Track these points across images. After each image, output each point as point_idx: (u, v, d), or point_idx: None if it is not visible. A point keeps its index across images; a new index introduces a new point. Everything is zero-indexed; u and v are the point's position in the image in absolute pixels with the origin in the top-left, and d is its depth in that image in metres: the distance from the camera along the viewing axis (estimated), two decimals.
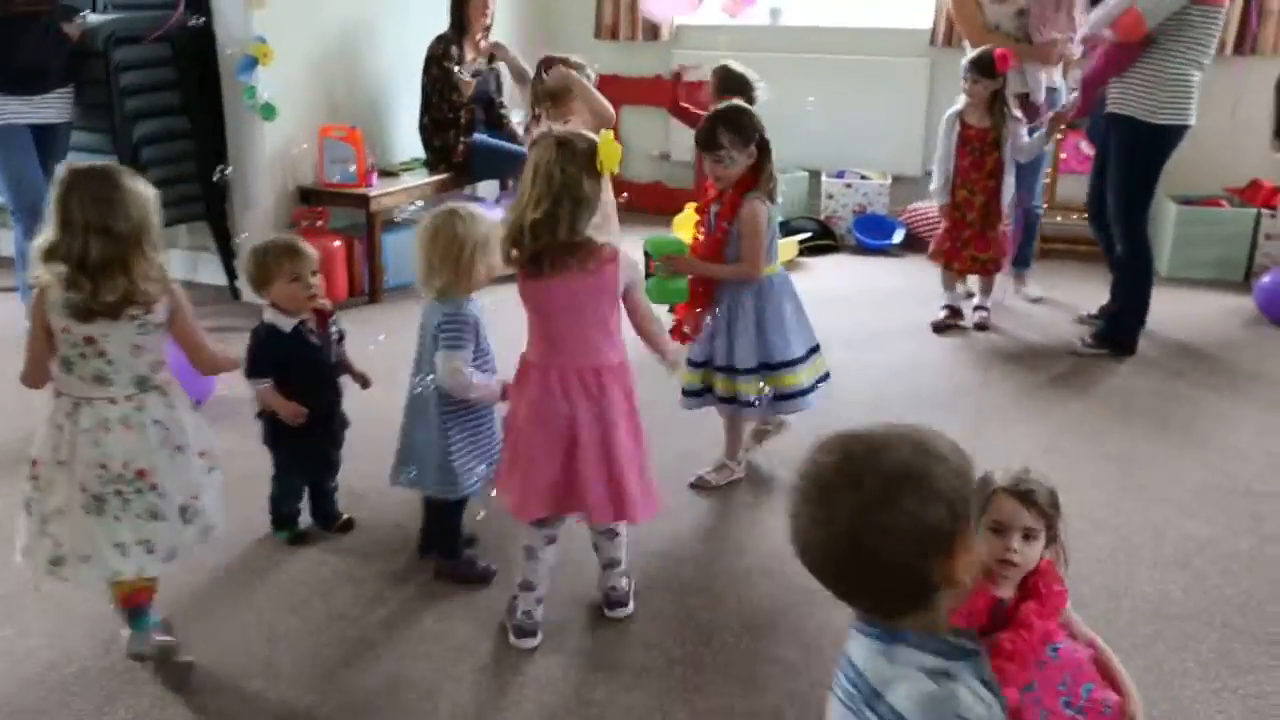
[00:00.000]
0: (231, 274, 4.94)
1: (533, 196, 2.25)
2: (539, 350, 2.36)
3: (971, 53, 4.46)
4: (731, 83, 3.82)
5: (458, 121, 5.25)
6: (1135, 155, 4.12)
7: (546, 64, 3.85)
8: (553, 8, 6.72)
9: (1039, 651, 1.69)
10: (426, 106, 5.27)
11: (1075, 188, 5.44)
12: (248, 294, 4.87)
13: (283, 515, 2.91)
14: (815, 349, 3.12)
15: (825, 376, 3.14)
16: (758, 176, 2.93)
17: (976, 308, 4.76)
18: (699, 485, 3.20)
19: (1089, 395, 3.98)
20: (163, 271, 2.19)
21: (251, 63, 4.57)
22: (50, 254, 2.09)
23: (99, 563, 2.17)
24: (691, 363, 3.06)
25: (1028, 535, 1.72)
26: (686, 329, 3.13)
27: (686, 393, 3.11)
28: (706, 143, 2.90)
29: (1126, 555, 2.88)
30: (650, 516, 2.44)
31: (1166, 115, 4.02)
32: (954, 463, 1.15)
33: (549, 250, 2.26)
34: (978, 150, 4.45)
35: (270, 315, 2.70)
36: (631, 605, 2.59)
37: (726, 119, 2.89)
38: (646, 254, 3.12)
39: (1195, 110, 4.05)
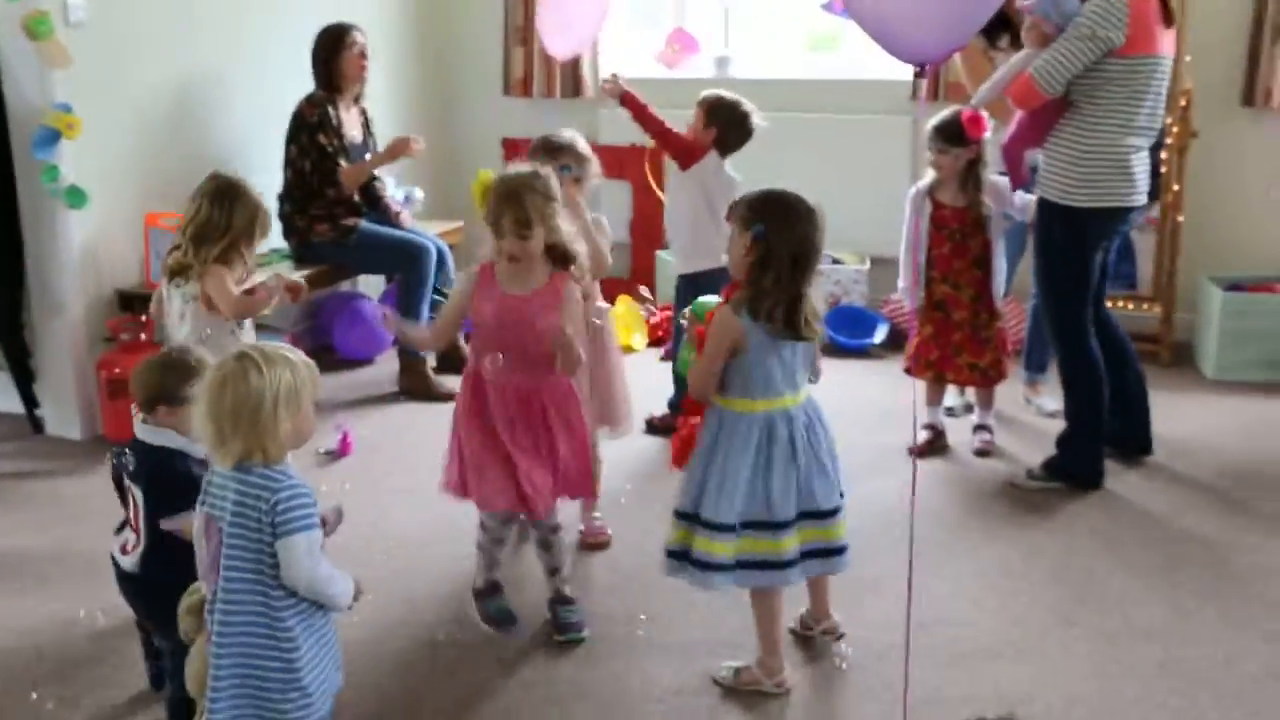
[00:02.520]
0: (30, 401, 4.64)
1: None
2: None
3: (935, 118, 4.31)
4: (724, 112, 4.13)
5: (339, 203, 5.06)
6: (1052, 245, 4.00)
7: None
8: (450, 60, 6.57)
9: None
10: (296, 184, 5.04)
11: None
12: (52, 426, 4.61)
13: None
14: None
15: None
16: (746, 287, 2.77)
17: (977, 428, 4.57)
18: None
19: (1110, 541, 3.73)
20: None
21: (53, 136, 4.33)
22: None
23: None
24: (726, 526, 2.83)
25: None
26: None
27: (672, 554, 2.93)
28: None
29: None
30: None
31: (1085, 196, 3.87)
32: None
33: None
34: (958, 235, 4.30)
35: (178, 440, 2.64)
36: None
37: (752, 198, 2.82)
38: (692, 315, 2.95)
39: (1136, 186, 3.90)
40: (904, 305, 4.53)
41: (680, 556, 2.88)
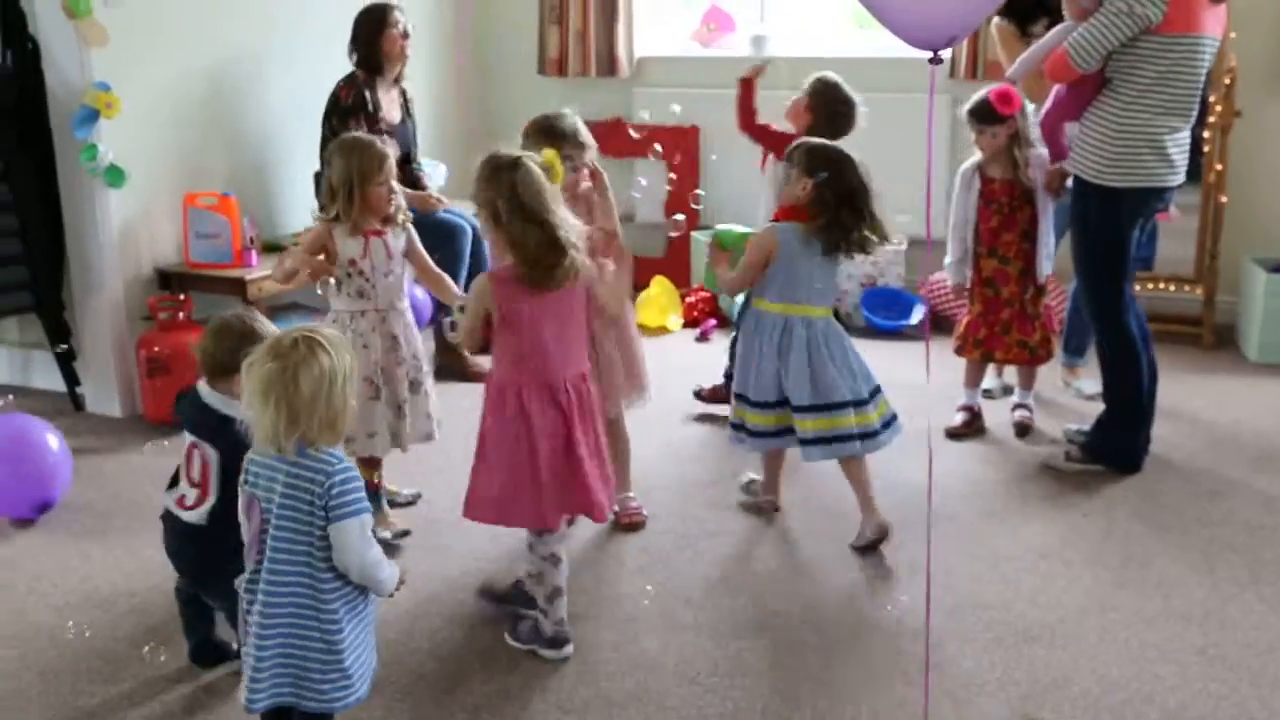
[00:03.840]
0: (71, 379, 4.68)
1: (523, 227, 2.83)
2: (530, 365, 2.90)
3: (968, 101, 4.31)
4: (833, 100, 4.18)
5: None
6: (1088, 224, 3.95)
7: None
8: (488, 39, 6.56)
9: None
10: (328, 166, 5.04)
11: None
12: (93, 404, 4.65)
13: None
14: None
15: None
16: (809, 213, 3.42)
17: (1016, 406, 4.54)
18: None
19: (1150, 524, 3.69)
20: None
21: (91, 115, 4.36)
22: None
23: None
24: (763, 403, 3.54)
25: None
26: None
27: (755, 433, 3.59)
28: (786, 155, 3.55)
29: None
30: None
31: (1117, 176, 3.81)
32: None
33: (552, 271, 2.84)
34: (1006, 208, 4.29)
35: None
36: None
37: (812, 148, 3.49)
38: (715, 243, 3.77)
39: (1173, 167, 3.83)
40: (948, 281, 4.48)
41: (738, 428, 3.61)
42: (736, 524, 3.74)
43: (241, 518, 2.31)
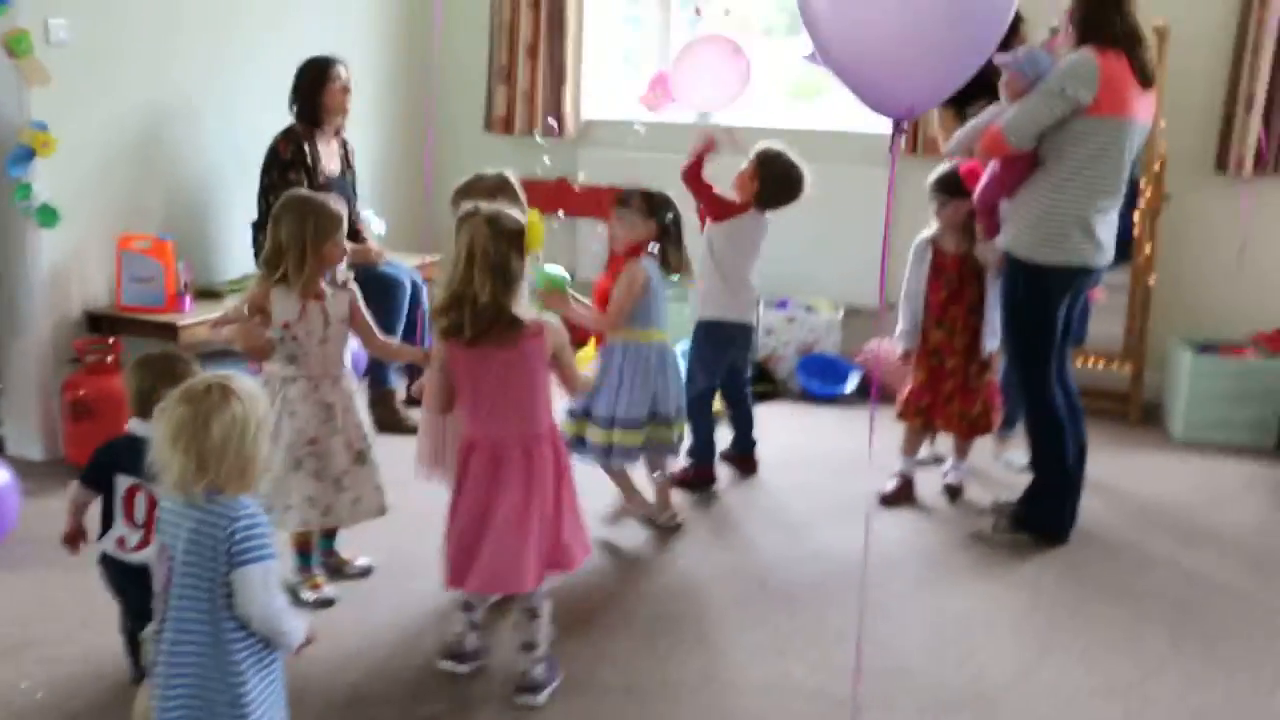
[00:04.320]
0: None
1: (475, 276, 2.84)
2: (473, 423, 2.98)
3: (934, 172, 4.40)
4: (779, 169, 4.31)
5: None
6: (1017, 300, 4.03)
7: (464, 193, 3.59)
8: (435, 92, 6.57)
9: None
10: (265, 216, 5.01)
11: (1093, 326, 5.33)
12: (14, 446, 4.55)
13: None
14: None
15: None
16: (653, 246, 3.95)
17: (949, 471, 4.61)
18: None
19: (1075, 596, 3.71)
20: None
21: (27, 154, 4.30)
22: None
23: None
24: (634, 422, 3.91)
25: None
26: None
27: (627, 451, 3.96)
28: (619, 199, 3.93)
29: None
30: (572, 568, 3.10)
31: (1045, 253, 3.90)
32: None
33: (488, 327, 2.86)
34: (955, 281, 4.37)
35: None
36: (542, 697, 2.99)
37: (645, 192, 3.94)
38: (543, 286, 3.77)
39: (1099, 247, 3.92)
40: (896, 348, 4.54)
41: (607, 453, 3.93)
42: (667, 584, 3.71)
43: (154, 566, 2.27)
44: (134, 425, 2.80)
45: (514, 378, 2.94)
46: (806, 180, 4.34)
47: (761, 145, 4.39)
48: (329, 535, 3.66)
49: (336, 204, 3.47)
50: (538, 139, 6.17)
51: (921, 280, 4.41)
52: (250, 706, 2.22)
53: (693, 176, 4.34)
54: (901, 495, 4.48)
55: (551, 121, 4.15)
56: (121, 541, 2.77)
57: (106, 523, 2.80)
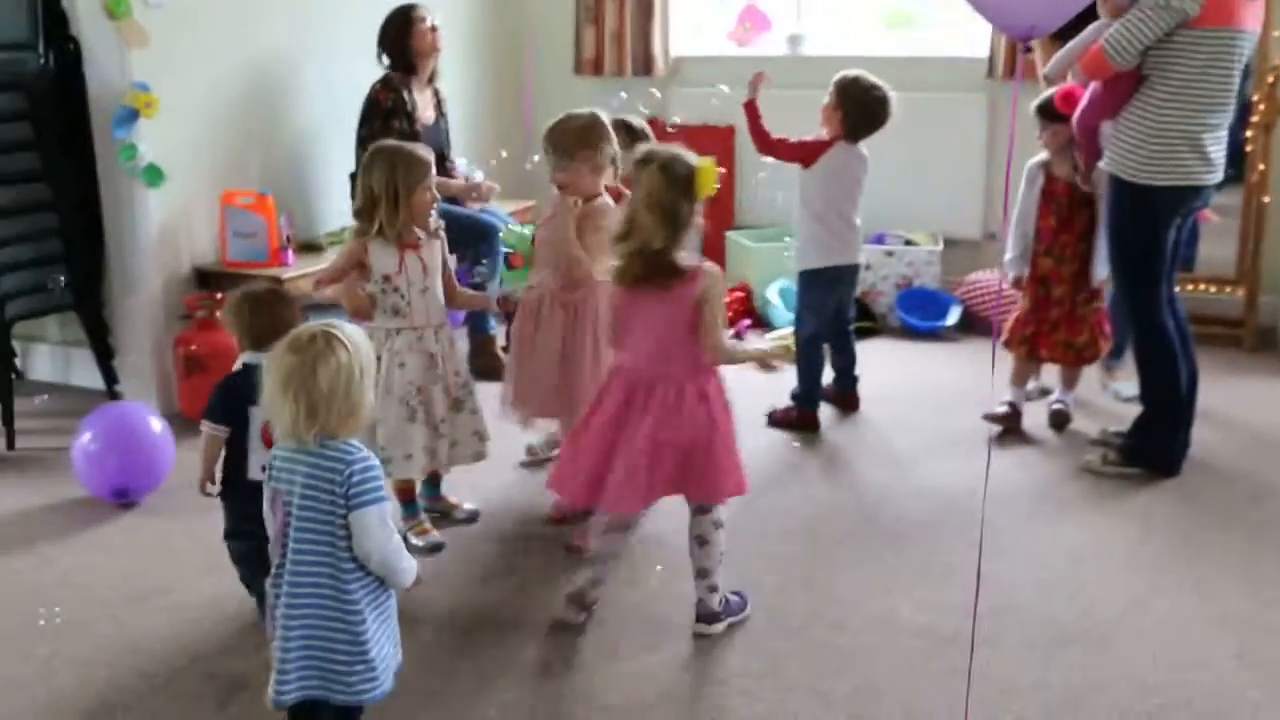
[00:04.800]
0: (110, 376, 4.72)
1: (647, 222, 2.87)
2: (624, 356, 3.04)
3: (1037, 98, 4.32)
4: (861, 96, 4.22)
5: None
6: (1123, 222, 3.91)
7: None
8: (522, 38, 6.57)
9: None
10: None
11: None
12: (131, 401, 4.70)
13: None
14: None
15: None
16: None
17: (1056, 401, 4.55)
18: None
19: (1188, 528, 3.65)
20: None
21: (131, 115, 4.40)
22: None
23: None
24: None
25: None
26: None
27: None
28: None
29: None
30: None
31: (1152, 174, 3.77)
32: None
33: (652, 273, 2.89)
34: (1065, 208, 4.29)
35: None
36: (719, 627, 3.07)
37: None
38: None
39: (1210, 164, 3.79)
40: (1006, 275, 4.48)
41: None
42: (773, 523, 3.73)
43: (267, 513, 2.34)
44: (249, 357, 2.94)
45: (666, 319, 2.93)
46: (891, 101, 4.26)
47: (837, 75, 4.33)
48: (434, 482, 3.73)
49: (424, 151, 3.49)
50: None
51: (1032, 205, 4.34)
52: (368, 644, 2.28)
53: (764, 147, 4.29)
54: (1006, 420, 4.44)
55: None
56: (264, 469, 2.84)
57: (231, 461, 2.94)
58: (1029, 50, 2.65)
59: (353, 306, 3.45)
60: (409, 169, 3.38)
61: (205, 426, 2.97)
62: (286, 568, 2.28)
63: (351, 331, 2.31)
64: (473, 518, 3.76)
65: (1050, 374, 4.70)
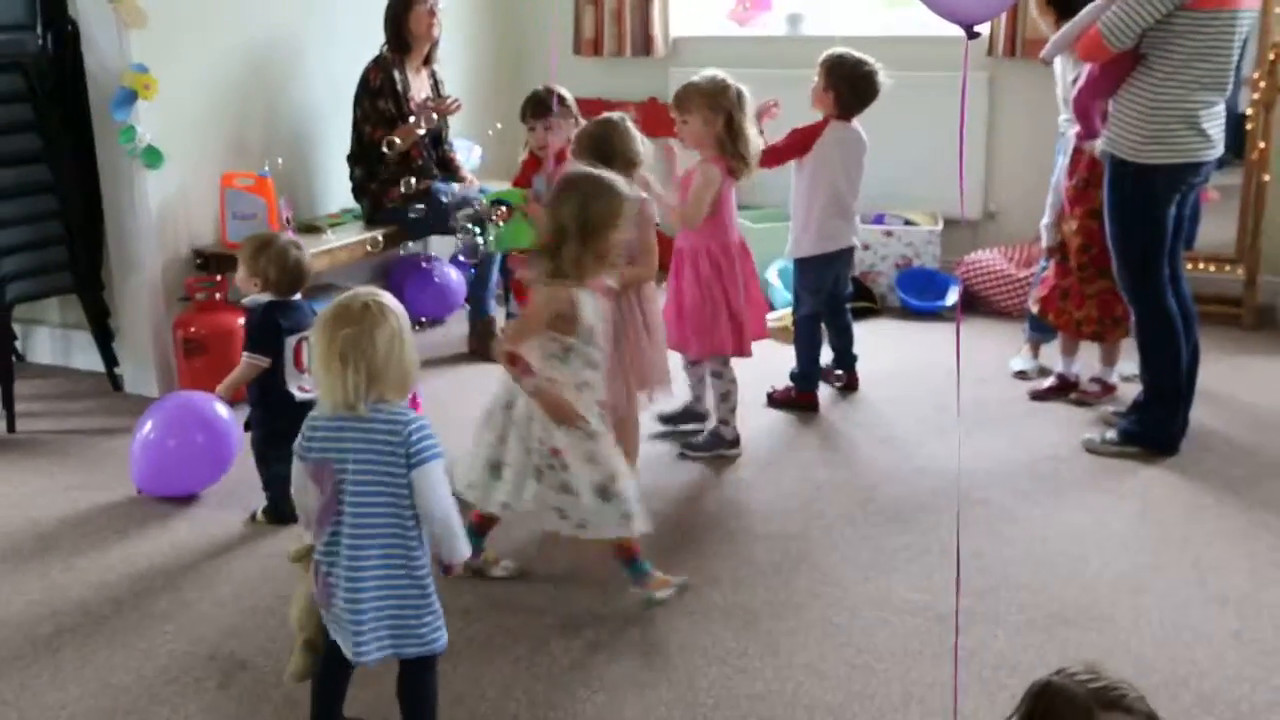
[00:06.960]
0: (110, 359, 4.72)
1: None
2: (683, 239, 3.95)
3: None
4: (848, 72, 4.23)
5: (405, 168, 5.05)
6: (1123, 201, 3.89)
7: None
8: (521, 19, 6.54)
9: None
10: (361, 147, 5.07)
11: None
12: (131, 384, 4.70)
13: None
14: None
15: None
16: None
17: (1092, 379, 4.58)
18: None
19: (1187, 507, 3.65)
20: None
21: (129, 97, 4.39)
22: None
23: None
24: None
25: None
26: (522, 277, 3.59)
27: None
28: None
29: None
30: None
31: (1152, 153, 3.76)
32: None
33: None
34: (1082, 183, 4.28)
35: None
36: (693, 455, 4.01)
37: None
38: (498, 203, 3.85)
39: (1208, 140, 3.77)
40: (1042, 242, 4.53)
41: None
42: (771, 503, 3.73)
43: (308, 485, 2.36)
44: (267, 297, 3.46)
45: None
46: (880, 74, 4.26)
47: (823, 55, 4.33)
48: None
49: (631, 188, 3.08)
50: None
51: (1062, 173, 4.36)
52: (433, 595, 2.37)
53: (766, 160, 4.19)
54: (1048, 392, 4.54)
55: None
56: (301, 388, 3.47)
57: (264, 381, 3.45)
58: (973, 35, 2.59)
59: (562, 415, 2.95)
60: (610, 204, 2.94)
61: (247, 357, 3.45)
62: (344, 533, 2.31)
63: (390, 298, 2.40)
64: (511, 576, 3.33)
65: (1050, 360, 4.70)
